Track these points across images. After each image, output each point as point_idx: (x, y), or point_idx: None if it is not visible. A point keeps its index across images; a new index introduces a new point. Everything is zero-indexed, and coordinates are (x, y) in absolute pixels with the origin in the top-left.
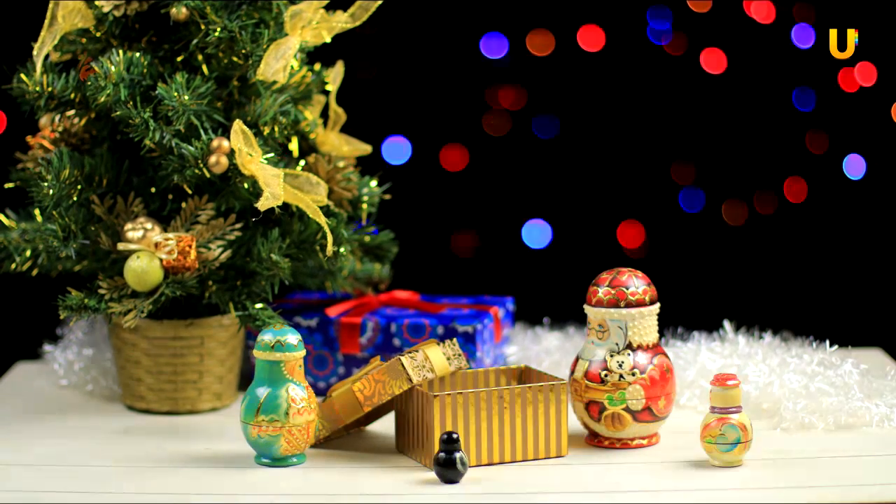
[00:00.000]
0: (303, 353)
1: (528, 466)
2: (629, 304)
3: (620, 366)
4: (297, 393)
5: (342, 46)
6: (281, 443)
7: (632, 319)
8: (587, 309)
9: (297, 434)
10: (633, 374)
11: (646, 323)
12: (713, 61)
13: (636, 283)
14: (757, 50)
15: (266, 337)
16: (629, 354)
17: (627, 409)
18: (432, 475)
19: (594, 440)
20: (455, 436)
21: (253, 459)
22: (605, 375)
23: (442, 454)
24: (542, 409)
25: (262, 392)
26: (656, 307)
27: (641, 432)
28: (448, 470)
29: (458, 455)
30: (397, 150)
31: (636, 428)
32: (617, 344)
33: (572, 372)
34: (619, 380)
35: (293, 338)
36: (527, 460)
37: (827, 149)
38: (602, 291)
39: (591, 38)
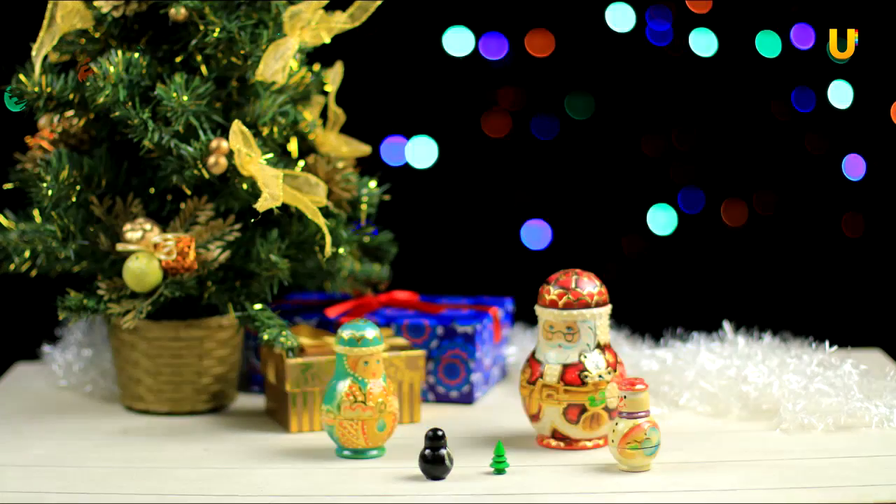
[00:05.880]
0: (368, 350)
1: (525, 467)
2: (598, 304)
3: (598, 366)
4: (355, 388)
5: (341, 47)
6: (336, 434)
7: (599, 319)
8: (546, 312)
9: (350, 428)
10: (610, 373)
11: (605, 322)
12: (713, 62)
13: (594, 283)
14: (756, 50)
15: (346, 332)
16: (599, 354)
17: (606, 409)
18: None
19: (548, 443)
20: (441, 432)
21: (249, 459)
22: (585, 377)
23: (428, 451)
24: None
25: (334, 383)
26: (610, 307)
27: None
28: (434, 467)
29: (443, 452)
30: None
31: (608, 426)
32: (588, 345)
33: (538, 376)
34: (599, 379)
35: (372, 332)
36: None
37: (826, 149)
38: (570, 293)
39: (590, 38)
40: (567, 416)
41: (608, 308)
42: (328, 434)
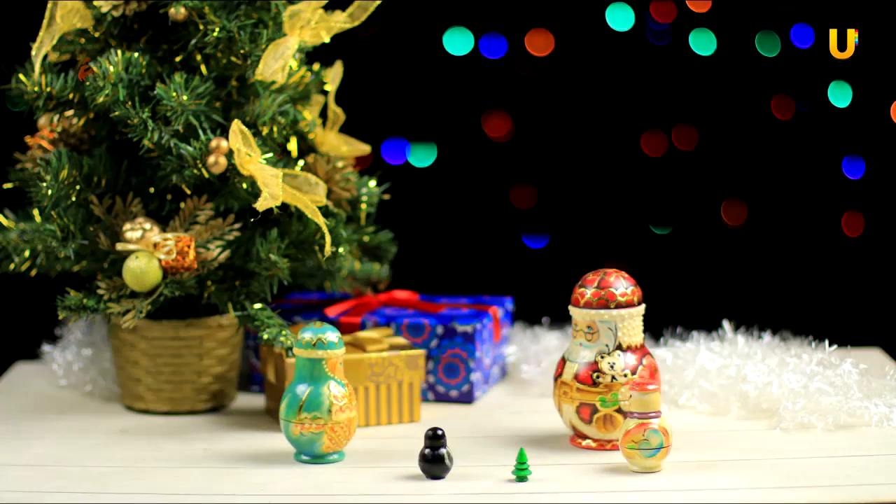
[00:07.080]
0: (343, 350)
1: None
2: (619, 306)
3: (612, 367)
4: (339, 390)
5: (341, 46)
6: (324, 440)
7: (621, 321)
8: (573, 311)
9: (340, 431)
10: (625, 375)
11: (634, 324)
12: (712, 60)
13: (623, 284)
14: (756, 49)
15: (307, 335)
16: (619, 355)
17: (619, 411)
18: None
19: (579, 442)
20: (440, 432)
21: (249, 459)
22: (597, 377)
23: (427, 450)
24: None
25: (304, 390)
26: (642, 308)
27: None
28: (434, 466)
29: (443, 451)
30: (406, 152)
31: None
32: (607, 345)
33: (559, 374)
34: (612, 381)
35: (333, 335)
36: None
37: (825, 148)
38: (590, 293)
39: (591, 38)
40: (580, 415)
41: (634, 310)
42: (304, 443)
